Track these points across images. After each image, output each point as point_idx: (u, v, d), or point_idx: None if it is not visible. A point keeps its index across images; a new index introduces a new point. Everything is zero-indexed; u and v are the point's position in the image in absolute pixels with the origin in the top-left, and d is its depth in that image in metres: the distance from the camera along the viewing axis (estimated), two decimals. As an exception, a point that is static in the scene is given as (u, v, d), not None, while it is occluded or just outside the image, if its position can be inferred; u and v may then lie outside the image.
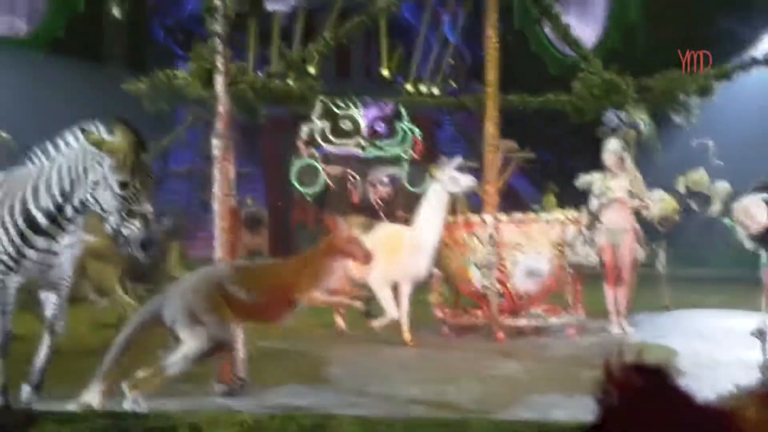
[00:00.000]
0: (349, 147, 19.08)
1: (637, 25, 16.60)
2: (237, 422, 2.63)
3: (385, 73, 21.90)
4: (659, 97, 7.97)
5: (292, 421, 2.65)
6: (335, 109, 18.68)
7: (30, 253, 4.20)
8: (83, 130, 4.11)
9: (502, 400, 4.57)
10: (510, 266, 7.16)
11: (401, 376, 5.46)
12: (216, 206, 5.14)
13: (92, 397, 4.18)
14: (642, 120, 9.93)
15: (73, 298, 4.69)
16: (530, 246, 7.18)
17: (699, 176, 8.64)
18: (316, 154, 18.67)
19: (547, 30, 14.43)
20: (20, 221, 4.19)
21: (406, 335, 6.86)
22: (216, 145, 5.14)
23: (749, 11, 16.50)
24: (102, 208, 4.09)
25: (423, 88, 22.05)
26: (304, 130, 18.71)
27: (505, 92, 8.76)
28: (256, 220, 17.74)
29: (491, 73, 8.05)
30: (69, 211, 4.20)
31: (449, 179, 7.06)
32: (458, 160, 7.31)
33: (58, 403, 4.19)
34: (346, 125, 19.07)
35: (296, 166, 18.74)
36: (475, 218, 7.48)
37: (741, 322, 7.42)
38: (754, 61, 7.76)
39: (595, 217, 7.44)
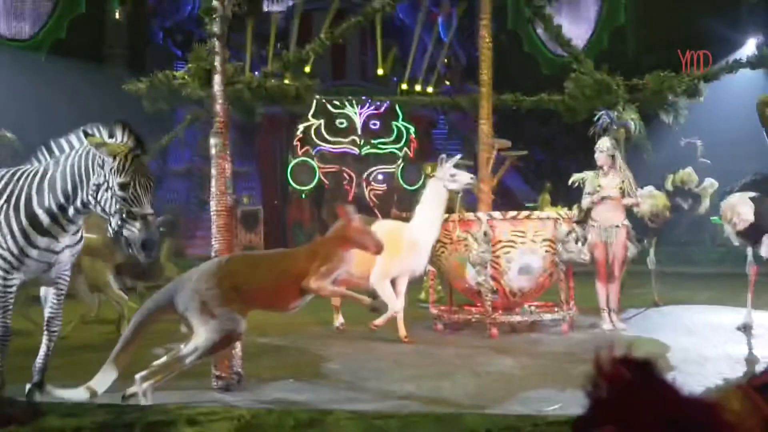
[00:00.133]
0: (345, 145, 19.18)
1: (626, 27, 16.78)
2: (234, 416, 2.69)
3: (381, 72, 21.95)
4: (649, 98, 8.06)
5: (289, 415, 2.71)
6: (331, 108, 18.76)
7: (32, 251, 4.26)
8: (85, 133, 4.15)
9: (497, 395, 4.59)
10: (504, 263, 7.22)
11: (397, 371, 5.49)
12: (212, 203, 5.19)
13: (98, 383, 4.21)
14: (632, 120, 10.05)
15: (68, 295, 4.74)
16: (524, 243, 7.24)
17: (687, 175, 8.73)
18: (312, 153, 18.77)
19: (539, 31, 14.56)
20: (24, 220, 4.25)
21: (402, 331, 6.92)
22: (213, 143, 5.20)
23: (736, 15, 16.73)
24: (103, 210, 4.13)
25: (418, 88, 22.13)
26: (301, 128, 18.82)
27: (499, 92, 8.86)
28: (252, 218, 17.78)
29: (485, 73, 8.15)
30: (71, 211, 4.26)
31: (448, 177, 7.13)
32: (457, 157, 7.37)
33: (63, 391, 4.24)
34: (341, 124, 19.17)
35: (292, 164, 18.82)
36: (469, 216, 7.55)
37: (728, 317, 7.57)
38: (741, 63, 7.86)
39: (587, 215, 7.55)
